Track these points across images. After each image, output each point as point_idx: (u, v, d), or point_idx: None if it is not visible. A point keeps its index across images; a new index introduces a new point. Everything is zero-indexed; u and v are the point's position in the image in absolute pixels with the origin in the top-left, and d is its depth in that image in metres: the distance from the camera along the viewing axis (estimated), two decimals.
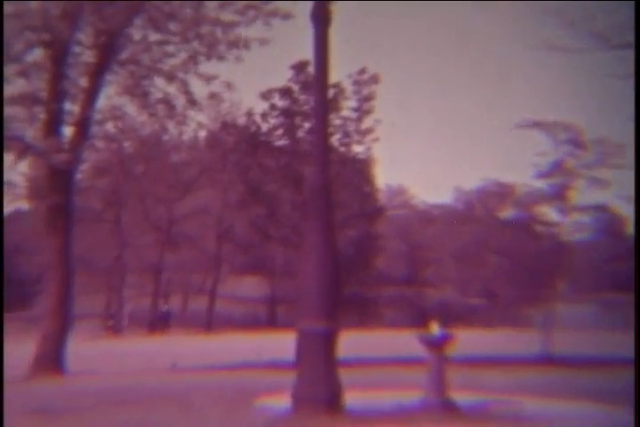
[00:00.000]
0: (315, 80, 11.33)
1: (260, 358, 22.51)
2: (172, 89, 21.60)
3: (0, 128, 19.11)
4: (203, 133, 60.70)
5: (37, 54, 20.17)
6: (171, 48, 20.93)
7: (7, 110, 19.84)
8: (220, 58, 20.81)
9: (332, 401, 10.04)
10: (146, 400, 12.16)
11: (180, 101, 22.09)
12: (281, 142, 65.08)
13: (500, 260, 60.65)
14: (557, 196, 26.31)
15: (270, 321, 63.96)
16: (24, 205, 66.63)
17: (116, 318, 59.55)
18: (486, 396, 11.94)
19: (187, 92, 21.37)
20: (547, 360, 22.36)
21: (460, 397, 10.82)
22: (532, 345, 23.99)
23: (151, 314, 59.59)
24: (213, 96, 21.61)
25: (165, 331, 55.95)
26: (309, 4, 11.03)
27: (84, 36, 20.46)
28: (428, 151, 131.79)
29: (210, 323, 60.34)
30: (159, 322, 58.92)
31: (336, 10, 11.08)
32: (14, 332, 54.39)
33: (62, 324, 19.86)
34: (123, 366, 23.23)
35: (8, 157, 20.45)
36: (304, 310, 10.44)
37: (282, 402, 10.47)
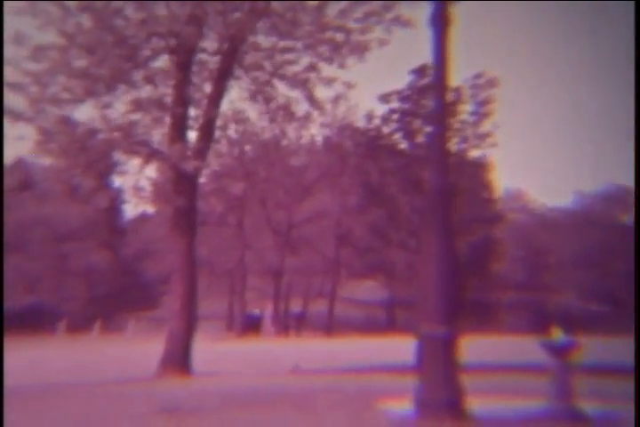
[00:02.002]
0: (434, 83, 11.22)
1: (376, 361, 22.46)
2: (293, 93, 21.83)
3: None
4: (321, 137, 61.46)
5: (164, 60, 20.69)
6: (293, 54, 21.11)
7: (134, 116, 20.43)
8: (342, 65, 20.88)
9: (455, 406, 9.94)
10: (269, 402, 12.28)
11: (301, 106, 22.35)
12: (400, 146, 64.97)
13: (624, 265, 58.93)
14: None
15: (389, 325, 63.82)
16: (150, 208, 68.54)
17: (238, 320, 60.52)
18: (615, 405, 11.57)
19: (309, 97, 21.51)
20: None
21: (589, 406, 10.52)
22: None
23: (284, 317, 60.27)
24: (337, 98, 21.69)
25: (298, 333, 56.43)
26: (427, 6, 10.95)
27: (209, 42, 20.85)
28: (549, 154, 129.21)
29: (330, 326, 60.64)
30: (290, 324, 59.61)
31: (456, 12, 10.97)
32: (142, 332, 56.07)
33: (187, 325, 20.22)
34: (246, 367, 23.56)
35: (136, 162, 21.03)
36: (424, 314, 10.37)
37: (404, 405, 10.41)
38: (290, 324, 60.36)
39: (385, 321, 66.23)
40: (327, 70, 21.30)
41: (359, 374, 18.78)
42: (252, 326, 58.22)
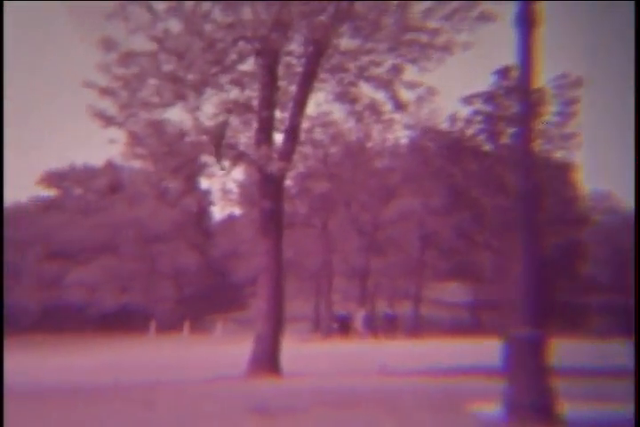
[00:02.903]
0: (519, 85, 11.05)
1: (463, 363, 22.30)
2: (378, 95, 21.82)
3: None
4: (405, 139, 61.24)
5: (250, 64, 20.91)
6: (377, 55, 21.12)
7: (222, 118, 20.71)
8: (423, 68, 20.81)
9: (545, 409, 9.79)
10: (358, 402, 12.31)
11: (386, 108, 22.32)
12: (484, 147, 64.24)
13: None
14: None
15: (474, 326, 63.21)
16: (237, 210, 69.35)
17: (325, 321, 60.68)
18: None
19: (394, 98, 21.48)
20: None
21: None
22: None
23: (374, 318, 60.22)
24: (421, 100, 21.58)
25: (390, 335, 56.30)
26: (511, 5, 10.81)
27: (294, 45, 20.99)
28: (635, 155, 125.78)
29: (416, 328, 60.38)
30: (384, 326, 59.53)
31: (542, 11, 10.79)
32: (230, 333, 56.74)
33: (275, 326, 20.37)
34: (334, 367, 23.65)
35: (224, 165, 21.26)
36: (513, 316, 10.27)
37: (493, 408, 10.32)
38: (379, 325, 60.18)
39: (470, 323, 65.64)
40: (410, 72, 21.29)
41: (446, 376, 18.68)
42: (341, 327, 58.29)
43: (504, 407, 9.98)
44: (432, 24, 20.18)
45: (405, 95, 21.91)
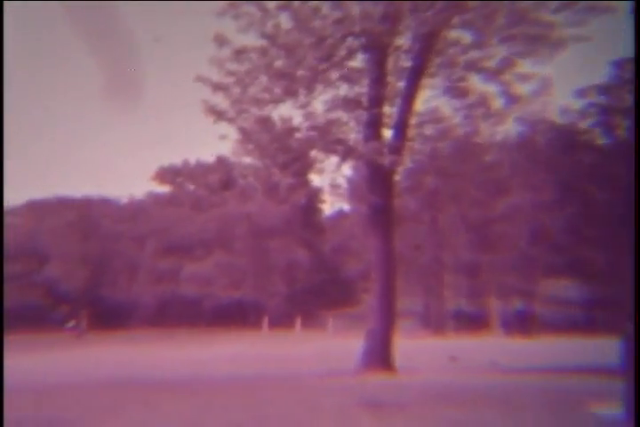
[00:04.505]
0: (635, 76, 10.68)
1: (578, 361, 21.85)
2: (489, 89, 21.46)
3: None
4: (514, 133, 60.11)
5: (359, 60, 20.87)
6: (488, 49, 20.77)
7: (331, 114, 20.77)
8: (536, 61, 20.39)
9: None
10: (473, 399, 12.19)
11: (496, 101, 21.90)
12: (598, 141, 62.31)
13: None
14: None
15: (588, 324, 61.70)
16: (346, 206, 69.47)
17: (437, 317, 60.37)
18: None
19: (506, 91, 21.08)
20: None
21: None
22: None
23: (512, 316, 59.66)
24: (537, 92, 21.04)
25: (525, 333, 55.58)
26: None
27: (403, 40, 20.83)
28: None
29: (528, 325, 59.39)
30: (515, 323, 58.91)
31: None
32: (341, 328, 56.96)
33: (387, 322, 20.32)
34: (445, 363, 23.51)
35: (332, 161, 21.33)
36: (629, 313, 10.00)
37: (613, 408, 10.07)
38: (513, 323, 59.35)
39: (584, 321, 64.08)
40: (522, 64, 20.86)
41: (563, 374, 18.34)
42: (464, 323, 57.94)
43: (624, 408, 9.71)
44: (545, 17, 19.75)
45: (518, 88, 21.47)
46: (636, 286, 18.95)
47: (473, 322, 58.99)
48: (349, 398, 12.42)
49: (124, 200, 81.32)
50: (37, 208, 75.66)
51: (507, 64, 20.77)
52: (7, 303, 65.27)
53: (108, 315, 66.73)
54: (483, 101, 21.78)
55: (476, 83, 21.72)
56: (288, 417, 10.78)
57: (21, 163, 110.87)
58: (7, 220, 75.49)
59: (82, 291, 69.22)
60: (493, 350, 32.48)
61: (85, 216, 74.19)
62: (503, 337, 51.90)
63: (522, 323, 58.81)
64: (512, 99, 21.34)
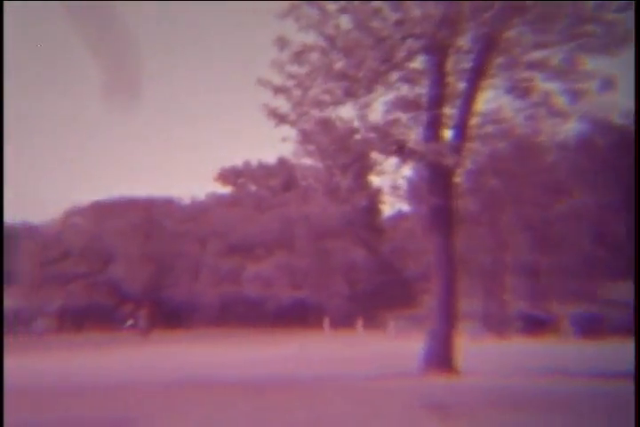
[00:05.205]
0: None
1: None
2: (551, 87, 21.21)
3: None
4: (575, 133, 59.26)
5: (419, 61, 20.85)
6: (550, 49, 20.56)
7: (390, 115, 20.79)
8: (600, 59, 20.12)
9: None
10: (536, 404, 12.08)
11: (559, 101, 21.62)
12: None
13: None
14: None
15: None
16: (406, 207, 69.30)
17: (499, 320, 59.78)
18: None
19: (570, 89, 20.77)
20: None
21: None
22: None
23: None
24: (601, 89, 20.64)
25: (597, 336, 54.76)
26: None
27: (463, 41, 20.73)
28: None
29: (597, 328, 58.49)
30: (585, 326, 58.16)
31: None
32: (402, 330, 56.79)
33: (448, 323, 20.25)
34: (508, 366, 23.33)
35: (392, 162, 21.34)
36: None
37: None
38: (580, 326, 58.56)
39: None
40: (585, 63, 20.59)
41: (627, 379, 18.08)
42: (529, 326, 57.31)
43: None
44: (608, 16, 19.50)
45: (582, 87, 21.16)
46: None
47: (538, 325, 58.28)
48: (412, 399, 12.45)
49: (187, 201, 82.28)
50: (102, 209, 76.95)
51: (570, 63, 20.51)
52: (73, 302, 66.57)
53: (171, 314, 67.59)
54: (545, 100, 21.53)
55: (537, 81, 21.50)
56: (351, 418, 10.86)
57: (86, 165, 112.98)
58: (73, 220, 77.07)
59: (145, 290, 70.17)
60: (561, 353, 32.10)
61: (149, 217, 75.22)
62: (572, 341, 51.15)
63: (591, 326, 57.92)
64: (576, 96, 21.02)
